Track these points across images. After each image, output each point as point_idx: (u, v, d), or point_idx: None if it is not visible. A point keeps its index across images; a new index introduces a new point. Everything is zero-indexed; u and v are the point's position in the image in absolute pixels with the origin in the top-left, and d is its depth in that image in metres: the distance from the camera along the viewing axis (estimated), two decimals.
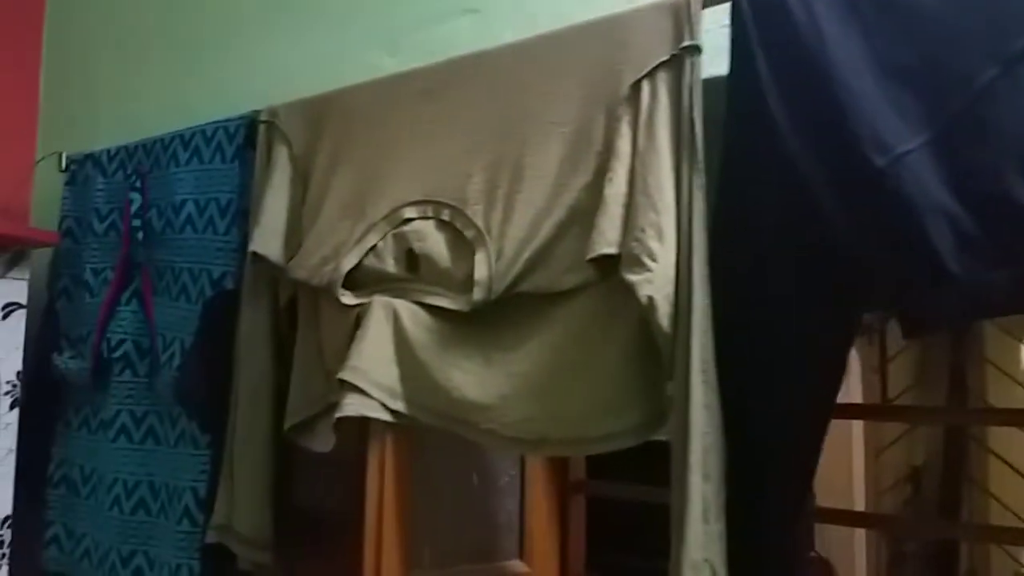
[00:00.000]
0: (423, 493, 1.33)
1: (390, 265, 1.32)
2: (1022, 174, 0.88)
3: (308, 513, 1.63)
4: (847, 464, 2.97)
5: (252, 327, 1.51)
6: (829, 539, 2.79)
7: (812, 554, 2.77)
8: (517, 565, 1.42)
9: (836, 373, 1.02)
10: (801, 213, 1.01)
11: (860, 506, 2.98)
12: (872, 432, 3.06)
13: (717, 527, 0.99)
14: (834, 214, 0.97)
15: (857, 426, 3.02)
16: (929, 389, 3.25)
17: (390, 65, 1.54)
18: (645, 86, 1.14)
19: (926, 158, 0.93)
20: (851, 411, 2.61)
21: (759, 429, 1.03)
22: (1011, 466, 2.85)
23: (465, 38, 1.47)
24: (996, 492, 2.94)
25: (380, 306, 1.30)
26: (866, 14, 1.00)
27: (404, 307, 1.29)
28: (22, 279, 1.77)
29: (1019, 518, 2.69)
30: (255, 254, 1.48)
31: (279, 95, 1.61)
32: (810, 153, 1.00)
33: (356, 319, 1.32)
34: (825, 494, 2.88)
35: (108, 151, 1.88)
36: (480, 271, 1.22)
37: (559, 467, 1.40)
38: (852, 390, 3.06)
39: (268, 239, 1.48)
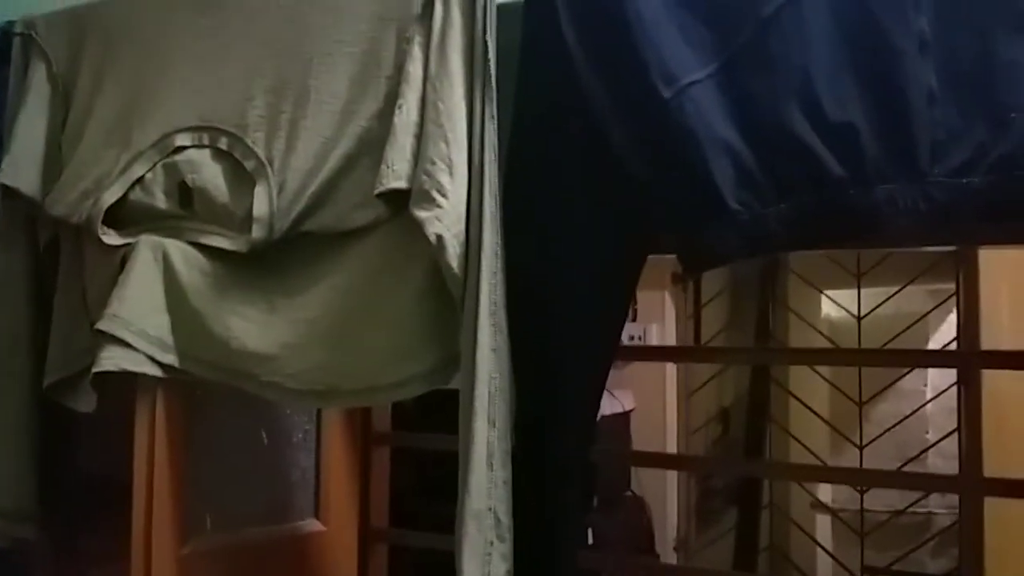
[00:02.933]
0: (204, 453, 1.21)
1: (160, 200, 1.18)
2: (801, 108, 0.87)
3: (94, 479, 1.48)
4: (661, 405, 3.10)
5: (6, 271, 1.32)
6: (643, 478, 2.92)
7: (627, 493, 2.89)
8: (312, 524, 1.33)
9: (621, 310, 1.00)
10: (593, 144, 0.97)
11: (673, 444, 3.13)
12: (684, 375, 3.22)
13: (502, 473, 0.95)
14: (623, 146, 0.94)
15: (671, 370, 3.16)
16: (738, 333, 3.45)
17: None
18: (438, 5, 1.05)
19: (712, 89, 0.90)
20: (665, 353, 2.72)
21: (548, 370, 1.00)
22: (808, 407, 3.08)
23: None
24: (795, 432, 3.18)
25: (147, 246, 1.16)
26: None
27: (176, 247, 1.15)
28: None
29: (815, 456, 2.93)
30: (5, 187, 1.28)
31: (41, 4, 1.40)
32: (602, 83, 0.95)
33: (122, 262, 1.17)
34: (641, 435, 3.00)
35: None
36: (260, 207, 1.10)
37: (360, 419, 1.33)
38: (668, 335, 3.20)
39: (22, 170, 1.29)
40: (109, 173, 1.20)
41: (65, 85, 1.32)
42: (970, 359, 1.60)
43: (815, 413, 3.07)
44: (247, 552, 1.27)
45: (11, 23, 1.39)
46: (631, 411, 3.01)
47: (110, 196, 1.18)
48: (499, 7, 1.05)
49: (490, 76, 1.01)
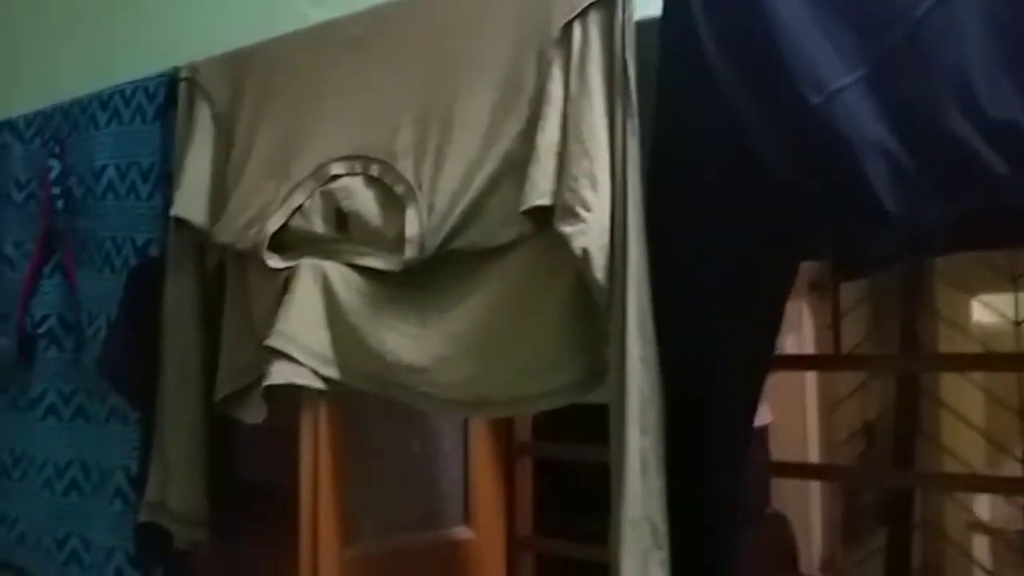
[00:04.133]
0: (362, 462, 1.28)
1: (318, 225, 1.26)
2: (959, 107, 0.84)
3: (251, 486, 1.58)
4: (801, 419, 2.99)
5: (178, 296, 1.44)
6: (784, 494, 2.82)
7: (768, 510, 2.80)
8: (463, 531, 1.38)
9: (774, 321, 0.99)
10: (738, 156, 0.97)
11: (814, 459, 3.01)
12: (826, 387, 3.09)
13: (657, 482, 0.96)
14: (770, 155, 0.94)
15: (811, 381, 3.04)
16: (881, 344, 3.28)
17: (315, 15, 1.46)
18: (576, 27, 1.08)
19: (862, 94, 0.89)
20: (805, 362, 2.62)
21: (698, 380, 1.00)
22: (962, 417, 2.90)
23: None
24: (948, 445, 2.99)
25: (308, 268, 1.24)
26: None
27: (334, 269, 1.23)
28: None
29: (970, 468, 2.75)
30: (178, 219, 1.41)
31: (202, 50, 1.53)
32: (745, 92, 0.96)
33: (284, 283, 1.26)
34: (779, 449, 2.91)
35: (25, 116, 1.78)
36: (411, 228, 1.16)
37: (503, 429, 1.37)
38: (805, 346, 3.08)
39: (191, 202, 1.41)
40: (271, 202, 1.30)
41: (227, 123, 1.43)
42: None
43: (970, 424, 2.88)
44: (402, 557, 1.33)
45: (177, 69, 1.53)
46: (768, 425, 2.92)
47: (273, 224, 1.27)
48: (637, 23, 1.07)
49: (630, 92, 1.03)
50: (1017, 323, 2.87)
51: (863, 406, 3.32)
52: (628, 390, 0.97)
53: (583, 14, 1.08)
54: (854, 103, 0.89)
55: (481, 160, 1.14)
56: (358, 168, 1.24)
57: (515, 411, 1.23)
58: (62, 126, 1.70)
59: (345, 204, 1.23)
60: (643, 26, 1.07)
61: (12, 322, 1.69)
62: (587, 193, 1.03)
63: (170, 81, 1.54)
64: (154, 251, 1.51)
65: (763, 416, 2.94)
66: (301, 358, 1.20)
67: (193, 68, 1.50)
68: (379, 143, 1.23)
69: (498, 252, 1.13)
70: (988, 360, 2.55)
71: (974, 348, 2.93)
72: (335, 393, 1.23)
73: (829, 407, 3.09)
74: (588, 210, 1.03)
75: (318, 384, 1.21)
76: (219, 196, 1.41)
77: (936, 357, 2.95)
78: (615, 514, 0.95)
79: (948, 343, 3.09)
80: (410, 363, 1.15)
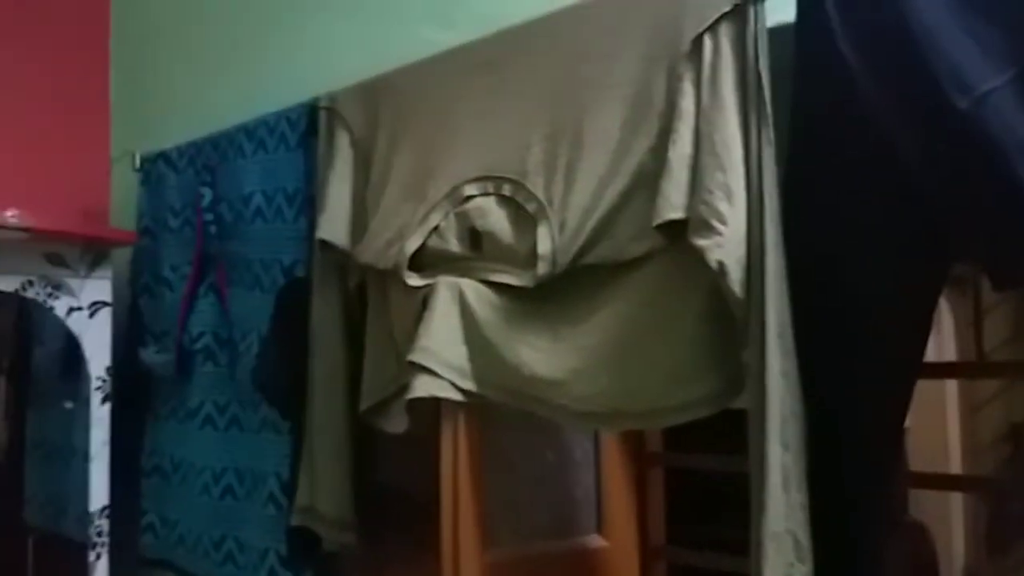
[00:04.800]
0: (498, 471, 1.32)
1: (453, 244, 1.31)
2: None
3: (394, 493, 1.65)
4: (941, 423, 2.84)
5: (324, 313, 1.52)
6: (924, 502, 2.68)
7: (906, 518, 2.68)
8: (596, 540, 1.40)
9: (923, 330, 0.97)
10: (880, 163, 0.95)
11: (956, 466, 2.86)
12: (967, 388, 2.92)
13: (799, 497, 0.95)
14: (916, 162, 0.91)
15: (951, 384, 2.88)
16: None
17: (446, 39, 1.52)
18: (707, 40, 1.09)
19: (1012, 96, 0.86)
20: (943, 370, 2.49)
21: (841, 393, 0.99)
22: None
23: (520, 6, 1.43)
24: None
25: (446, 286, 1.29)
26: None
27: (470, 286, 1.28)
28: (105, 278, 1.83)
29: None
30: (323, 241, 1.49)
31: (342, 79, 1.61)
32: (887, 98, 0.94)
33: (423, 300, 1.32)
34: (918, 455, 2.77)
35: (178, 148, 1.93)
36: (543, 245, 1.20)
37: (634, 440, 1.38)
38: (945, 346, 2.93)
39: (334, 225, 1.49)
40: (409, 224, 1.36)
41: (365, 149, 1.51)
42: None
43: None
44: (538, 563, 1.37)
45: (317, 99, 1.62)
46: (907, 430, 2.80)
47: (412, 244, 1.33)
48: (771, 30, 1.06)
49: (764, 103, 1.03)
50: None
51: (1009, 408, 3.13)
52: (769, 404, 0.97)
53: (714, 27, 1.09)
54: (1004, 105, 0.86)
55: (611, 176, 1.16)
56: (490, 188, 1.29)
57: (651, 424, 1.24)
58: (212, 156, 1.83)
59: (479, 223, 1.28)
60: (775, 32, 1.06)
61: (172, 339, 1.84)
62: (722, 206, 1.03)
63: (310, 110, 1.63)
64: (300, 272, 1.60)
65: None
66: (441, 372, 1.25)
67: (331, 97, 1.59)
68: (510, 163, 1.27)
69: (629, 266, 1.15)
70: None
71: None
72: (473, 405, 1.28)
73: (971, 410, 2.92)
74: (724, 223, 1.03)
75: (457, 396, 1.26)
76: (359, 219, 1.49)
77: None
78: (756, 527, 0.95)
79: None
80: (545, 376, 1.19)
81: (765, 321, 0.99)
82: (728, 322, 1.06)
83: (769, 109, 1.02)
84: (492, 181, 1.29)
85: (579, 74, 1.23)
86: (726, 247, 1.02)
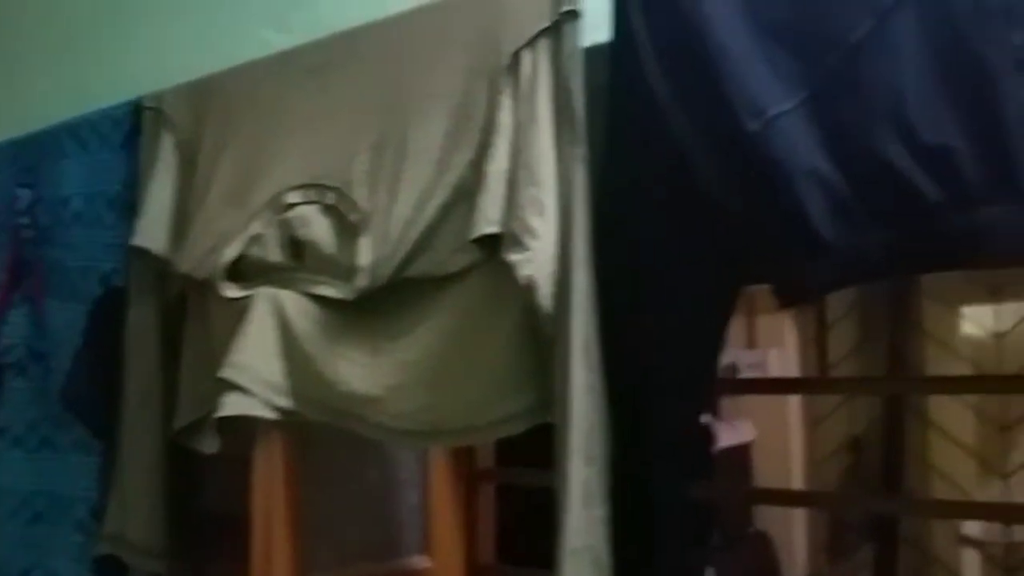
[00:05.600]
0: (319, 491, 1.27)
1: (274, 254, 1.26)
2: (894, 132, 0.84)
3: (218, 516, 1.57)
4: (784, 436, 2.98)
5: (139, 325, 1.43)
6: (768, 512, 2.81)
7: (750, 528, 2.78)
8: (421, 560, 1.37)
9: (715, 346, 0.99)
10: (682, 183, 0.97)
11: (798, 477, 3.00)
12: (810, 403, 3.08)
13: (600, 512, 0.95)
14: (711, 183, 0.93)
15: (794, 396, 3.03)
16: (868, 354, 3.28)
17: (280, 42, 1.47)
18: (526, 55, 1.09)
19: (800, 120, 0.89)
20: (788, 386, 2.60)
21: (645, 407, 1.00)
22: (949, 435, 2.89)
23: (354, 11, 1.39)
24: (936, 462, 2.98)
25: (264, 298, 1.24)
26: None
27: (289, 297, 1.23)
28: None
29: (959, 486, 2.73)
30: (138, 248, 1.41)
31: (176, 78, 1.53)
32: (688, 119, 0.96)
33: (242, 312, 1.26)
34: (763, 465, 2.89)
35: None
36: (363, 257, 1.16)
37: (464, 456, 1.36)
38: (789, 360, 3.08)
39: (152, 231, 1.41)
40: (229, 231, 1.29)
41: (190, 152, 1.43)
42: None
43: (956, 442, 2.87)
44: None
45: (142, 98, 1.53)
46: (751, 442, 2.91)
47: (230, 253, 1.27)
48: (589, 49, 1.07)
49: (576, 120, 1.03)
50: (997, 335, 2.87)
51: (849, 419, 3.31)
52: (572, 419, 0.96)
53: (532, 42, 1.08)
54: (792, 130, 0.89)
55: (433, 188, 1.14)
56: (314, 196, 1.24)
57: (468, 440, 1.22)
58: (32, 155, 1.70)
59: (301, 233, 1.23)
60: (595, 52, 1.07)
61: None
62: (534, 221, 1.03)
63: (135, 110, 1.54)
64: (118, 281, 1.51)
65: (745, 433, 2.94)
66: (254, 388, 1.19)
67: (157, 97, 1.50)
68: (335, 171, 1.23)
69: (450, 280, 1.13)
70: (970, 382, 2.54)
71: (960, 363, 2.92)
72: (291, 422, 1.22)
73: (814, 421, 3.08)
74: (535, 238, 1.03)
75: (271, 414, 1.20)
76: (181, 225, 1.41)
77: (919, 380, 2.94)
78: (557, 544, 0.94)
79: (935, 356, 3.09)
80: (363, 392, 1.15)
81: (570, 335, 0.99)
82: (543, 337, 1.06)
83: (581, 127, 1.03)
84: (316, 189, 1.24)
85: (405, 83, 1.20)
86: (536, 262, 1.02)
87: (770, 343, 2.98)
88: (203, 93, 1.45)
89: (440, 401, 1.12)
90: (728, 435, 2.76)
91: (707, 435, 2.69)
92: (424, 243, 1.14)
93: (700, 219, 0.96)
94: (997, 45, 0.81)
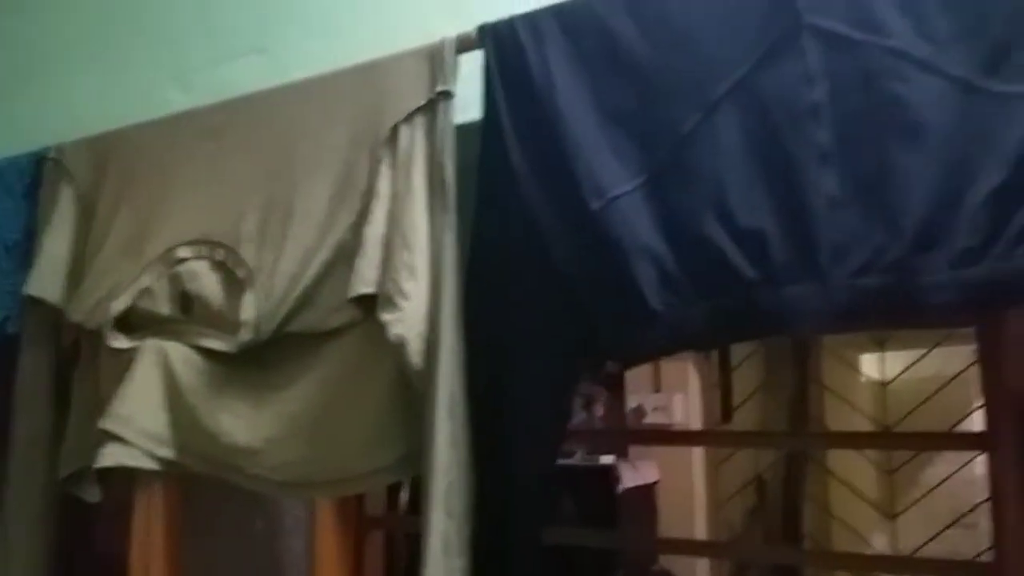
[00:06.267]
0: (204, 539, 1.30)
1: (163, 307, 1.30)
2: (717, 216, 0.94)
3: (108, 565, 1.57)
4: (687, 477, 3.07)
5: (31, 373, 1.45)
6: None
7: (655, 567, 2.86)
8: None
9: (568, 405, 1.07)
10: (538, 256, 1.05)
11: (701, 518, 3.10)
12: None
13: (459, 562, 1.01)
14: (561, 254, 1.02)
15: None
16: (772, 400, 3.42)
17: (182, 102, 1.53)
18: (404, 130, 1.17)
19: (638, 201, 0.98)
20: (691, 438, 2.69)
21: (504, 460, 1.06)
22: (847, 485, 3.04)
23: (254, 77, 1.46)
24: (837, 499, 3.12)
25: (151, 350, 1.27)
26: (592, 60, 1.05)
27: (176, 349, 1.27)
28: None
29: (856, 531, 2.86)
30: (32, 297, 1.43)
31: (75, 130, 1.56)
32: (543, 196, 1.04)
33: (129, 363, 1.29)
34: (667, 507, 2.97)
35: None
36: (247, 312, 1.21)
37: (351, 503, 1.40)
38: (692, 405, 3.19)
39: (46, 281, 1.43)
40: (121, 283, 1.33)
41: (88, 204, 1.47)
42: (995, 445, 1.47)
43: (852, 490, 3.02)
44: None
45: (46, 150, 1.56)
46: (656, 483, 3.00)
47: (120, 304, 1.31)
48: (465, 125, 1.16)
49: (447, 191, 1.11)
50: (883, 384, 3.06)
51: (754, 458, 3.44)
52: (435, 472, 1.03)
53: (410, 118, 1.17)
54: (630, 209, 0.98)
55: (317, 248, 1.21)
56: (204, 252, 1.29)
57: (339, 492, 1.27)
58: None
59: (190, 286, 1.28)
60: (469, 130, 1.16)
61: None
62: (407, 283, 1.10)
63: (38, 161, 1.57)
64: (12, 328, 1.52)
65: (650, 474, 3.03)
66: (135, 439, 1.22)
67: (59, 149, 1.54)
68: (225, 229, 1.29)
69: (331, 335, 1.19)
70: (861, 438, 2.66)
71: (858, 415, 3.07)
72: (173, 473, 1.26)
73: (716, 464, 3.19)
74: (406, 299, 1.10)
75: (151, 465, 1.23)
76: (77, 276, 1.44)
77: (818, 435, 3.06)
78: None
79: (835, 403, 3.24)
80: (243, 445, 1.19)
81: (437, 391, 1.05)
82: (415, 393, 1.12)
83: (452, 197, 1.11)
84: (206, 245, 1.30)
85: (295, 149, 1.27)
86: (407, 322, 1.09)
87: (674, 388, 3.09)
88: (104, 147, 1.48)
89: (316, 453, 1.17)
90: (632, 476, 2.85)
91: (610, 478, 2.79)
92: (306, 300, 1.20)
93: (553, 287, 1.04)
94: (804, 141, 0.91)
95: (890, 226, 0.86)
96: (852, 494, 3.09)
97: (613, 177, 1.00)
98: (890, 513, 2.94)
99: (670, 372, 3.07)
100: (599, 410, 3.18)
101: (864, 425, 3.13)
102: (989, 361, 1.01)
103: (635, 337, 0.96)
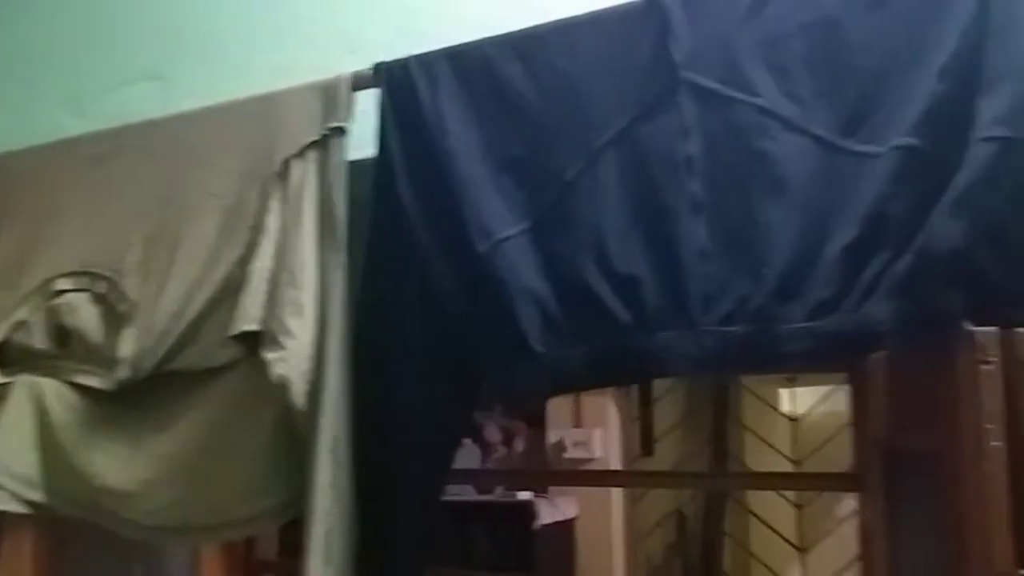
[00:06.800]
0: None
1: (39, 341, 1.24)
2: (596, 262, 0.95)
3: None
4: (606, 512, 3.07)
5: None
6: None
7: None
8: None
9: (453, 448, 1.05)
10: (427, 295, 1.04)
11: (619, 553, 3.09)
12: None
13: None
14: (448, 295, 1.01)
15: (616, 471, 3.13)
16: (692, 435, 3.45)
17: (75, 126, 1.47)
18: (296, 164, 1.15)
19: (523, 244, 0.99)
20: (608, 479, 2.68)
21: (388, 506, 1.04)
22: (759, 518, 3.08)
23: (150, 104, 1.43)
24: (758, 532, 3.15)
25: (24, 386, 1.22)
26: (483, 104, 1.05)
27: (50, 386, 1.21)
28: None
29: (772, 572, 2.89)
30: None
31: None
32: (432, 237, 1.04)
33: (1, 400, 1.23)
34: (586, 542, 2.95)
35: None
36: (125, 349, 1.17)
37: (239, 548, 1.35)
38: (612, 440, 3.20)
39: None
40: None
41: None
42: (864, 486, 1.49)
43: (763, 522, 3.06)
44: None
45: None
46: (575, 519, 2.99)
47: None
48: (358, 163, 1.14)
49: (337, 228, 1.09)
50: (792, 419, 3.12)
51: (675, 492, 3.46)
52: (314, 517, 1.00)
53: (302, 152, 1.15)
54: (515, 252, 0.98)
55: (202, 282, 1.17)
56: (84, 284, 1.25)
57: (218, 538, 1.23)
58: None
59: (68, 320, 1.23)
60: (363, 167, 1.15)
61: None
62: (292, 321, 1.08)
63: None
64: None
65: (568, 510, 3.02)
66: (2, 481, 1.16)
67: None
68: (109, 259, 1.24)
69: (214, 374, 1.16)
70: (776, 479, 2.69)
71: (774, 453, 3.12)
72: (43, 517, 1.20)
73: (634, 499, 3.20)
74: (291, 338, 1.07)
75: (19, 508, 1.17)
76: None
77: (734, 475, 3.10)
78: None
79: (755, 444, 3.28)
80: (117, 487, 1.14)
81: (319, 433, 1.03)
82: (300, 434, 1.09)
83: (342, 234, 1.09)
84: (87, 277, 1.25)
85: (185, 179, 1.24)
86: (290, 361, 1.06)
87: (594, 424, 3.10)
88: None
89: (194, 497, 1.13)
90: (551, 513, 2.83)
91: (527, 515, 2.77)
92: (189, 336, 1.16)
93: (440, 328, 1.03)
94: (678, 192, 0.93)
95: (754, 276, 0.88)
96: (769, 532, 3.13)
97: (500, 220, 1.00)
98: (801, 547, 2.98)
99: (590, 407, 3.07)
100: (520, 445, 3.16)
101: (781, 460, 3.19)
102: (858, 406, 1.03)
103: (517, 378, 0.95)
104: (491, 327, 0.98)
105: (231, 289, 1.16)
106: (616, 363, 0.93)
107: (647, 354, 0.91)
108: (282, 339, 1.07)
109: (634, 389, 3.24)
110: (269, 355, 1.07)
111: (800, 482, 1.96)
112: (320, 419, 1.04)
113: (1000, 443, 0.70)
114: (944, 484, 0.78)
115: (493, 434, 3.08)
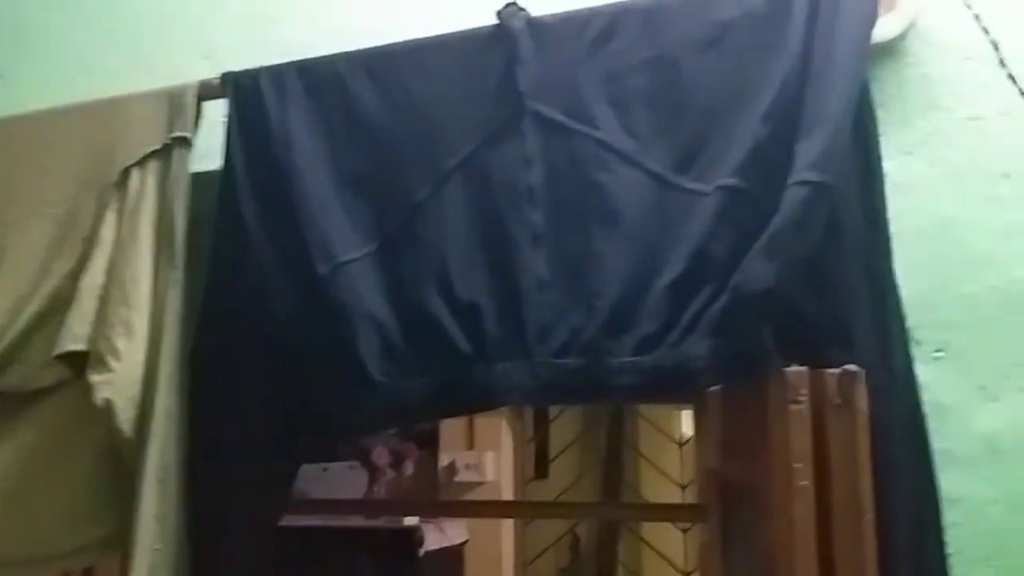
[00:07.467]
0: None
1: None
2: (439, 289, 0.92)
3: None
4: (496, 535, 3.03)
5: None
6: None
7: None
8: None
9: (291, 478, 1.00)
10: (267, 318, 0.99)
11: (510, 574, 3.06)
12: (523, 498, 3.17)
13: None
14: (284, 320, 0.97)
15: (507, 493, 3.11)
16: (590, 455, 3.45)
17: None
18: (135, 174, 1.09)
19: (367, 268, 0.95)
20: (500, 509, 2.64)
21: (218, 539, 0.99)
22: (646, 543, 3.10)
23: None
24: (647, 564, 3.17)
25: None
26: (332, 120, 1.02)
27: None
28: None
29: None
30: None
31: None
32: (274, 257, 1.00)
33: None
34: (475, 568, 2.90)
35: None
36: None
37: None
38: (504, 462, 3.17)
39: None
40: None
41: None
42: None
43: (649, 546, 3.09)
44: None
45: None
46: (464, 543, 2.94)
47: None
48: (203, 174, 1.09)
49: (176, 244, 1.04)
50: (680, 444, 3.16)
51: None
52: (137, 550, 0.94)
53: (143, 162, 1.09)
54: (358, 276, 0.95)
55: (30, 296, 1.10)
56: None
57: (37, 572, 1.14)
58: None
59: None
60: (207, 176, 1.09)
61: None
62: (120, 342, 1.01)
63: None
64: None
65: (456, 535, 2.97)
66: None
67: None
68: None
69: (38, 395, 1.08)
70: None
71: (668, 482, 3.15)
72: None
73: (524, 522, 3.17)
74: (118, 359, 1.01)
75: None
76: None
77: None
78: None
79: (649, 468, 3.30)
80: None
81: (146, 462, 0.97)
82: (128, 463, 1.02)
83: (180, 249, 1.04)
84: None
85: (17, 184, 1.16)
86: (117, 385, 1.00)
87: (486, 446, 3.07)
88: None
89: (12, 528, 1.05)
90: (438, 538, 2.78)
91: (412, 541, 2.70)
92: (13, 355, 1.08)
93: (278, 352, 0.99)
94: (520, 221, 0.92)
95: (587, 308, 0.87)
96: (670, 546, 3.15)
97: (344, 242, 0.97)
98: (685, 571, 3.01)
99: (483, 428, 3.04)
100: (409, 468, 3.10)
101: (672, 485, 3.22)
102: (699, 436, 1.04)
103: (353, 407, 0.91)
104: (328, 353, 0.94)
105: (60, 304, 1.08)
106: (455, 393, 0.91)
107: (486, 385, 0.89)
108: (109, 360, 1.01)
109: (528, 410, 3.23)
110: (94, 377, 1.00)
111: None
112: (148, 447, 0.98)
113: (808, 482, 0.71)
114: (759, 518, 0.79)
115: (382, 456, 3.01)
